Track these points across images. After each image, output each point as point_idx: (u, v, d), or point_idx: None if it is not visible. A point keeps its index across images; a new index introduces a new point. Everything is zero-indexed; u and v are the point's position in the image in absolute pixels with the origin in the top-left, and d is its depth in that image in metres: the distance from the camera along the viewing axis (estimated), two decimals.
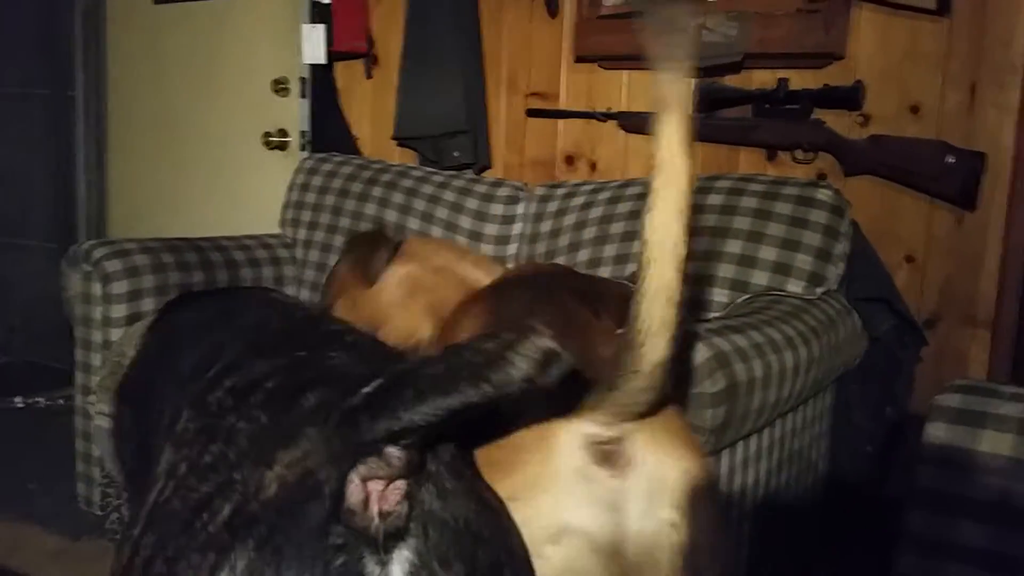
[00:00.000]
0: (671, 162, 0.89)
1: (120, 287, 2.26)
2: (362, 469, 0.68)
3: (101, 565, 2.14)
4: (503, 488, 0.92)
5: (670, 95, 0.90)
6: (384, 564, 0.68)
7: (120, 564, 0.79)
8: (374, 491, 0.68)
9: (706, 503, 0.99)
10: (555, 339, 0.72)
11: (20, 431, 3.20)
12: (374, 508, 0.68)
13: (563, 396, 0.88)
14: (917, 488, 1.25)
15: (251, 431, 0.80)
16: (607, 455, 0.93)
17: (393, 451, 0.67)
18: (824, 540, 2.08)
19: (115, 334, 2.26)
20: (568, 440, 0.93)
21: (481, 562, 0.74)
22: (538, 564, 0.90)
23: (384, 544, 0.68)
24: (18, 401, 3.43)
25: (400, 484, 0.69)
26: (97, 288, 2.27)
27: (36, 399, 3.44)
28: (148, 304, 2.31)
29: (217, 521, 0.72)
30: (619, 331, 0.98)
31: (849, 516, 2.11)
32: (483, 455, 0.94)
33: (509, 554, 0.79)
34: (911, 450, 1.29)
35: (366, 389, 0.70)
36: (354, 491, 0.68)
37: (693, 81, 2.43)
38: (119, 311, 2.27)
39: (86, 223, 3.59)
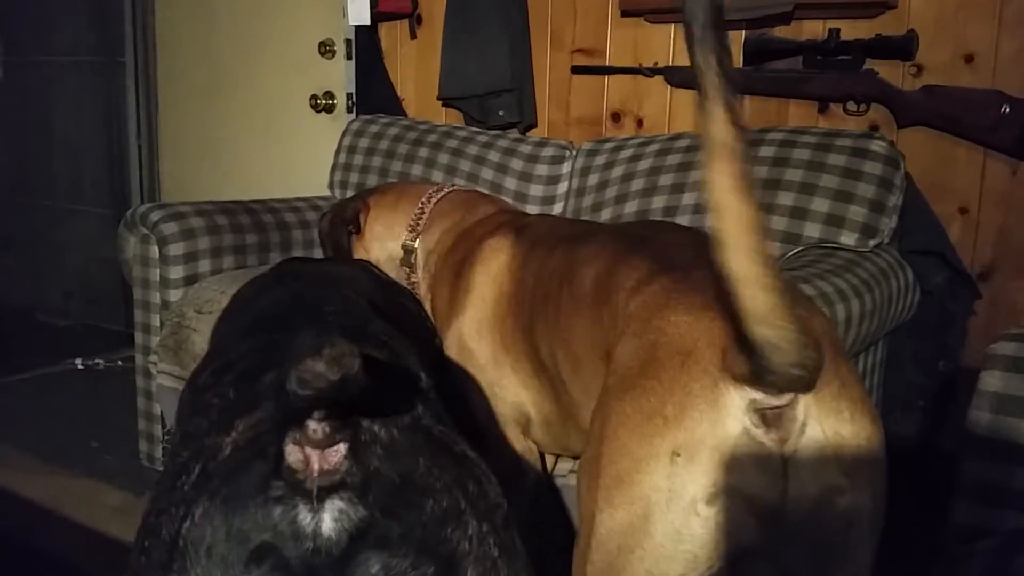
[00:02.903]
0: (729, 207, 0.83)
1: (177, 249, 2.31)
2: (295, 435, 0.78)
3: None
4: (665, 440, 0.94)
5: (716, 134, 0.83)
6: (315, 512, 0.78)
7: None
8: (312, 453, 0.78)
9: (875, 470, 0.98)
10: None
11: (81, 392, 3.30)
12: (314, 467, 0.78)
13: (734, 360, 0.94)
14: (972, 436, 1.25)
15: (221, 405, 0.94)
16: (775, 419, 0.92)
17: (310, 421, 0.77)
18: None
19: (173, 295, 2.31)
20: (737, 403, 0.93)
21: (429, 510, 0.82)
22: (694, 522, 0.92)
23: (317, 496, 0.78)
24: (78, 363, 3.53)
25: (340, 447, 0.79)
26: (154, 250, 2.32)
27: (95, 360, 3.53)
28: (204, 265, 2.36)
29: (190, 480, 0.85)
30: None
31: (901, 470, 2.11)
32: (646, 406, 0.97)
33: (470, 499, 0.86)
34: (965, 403, 1.29)
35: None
36: (292, 452, 0.78)
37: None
38: (176, 272, 2.32)
39: (139, 188, 3.66)
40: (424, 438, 0.89)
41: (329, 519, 0.79)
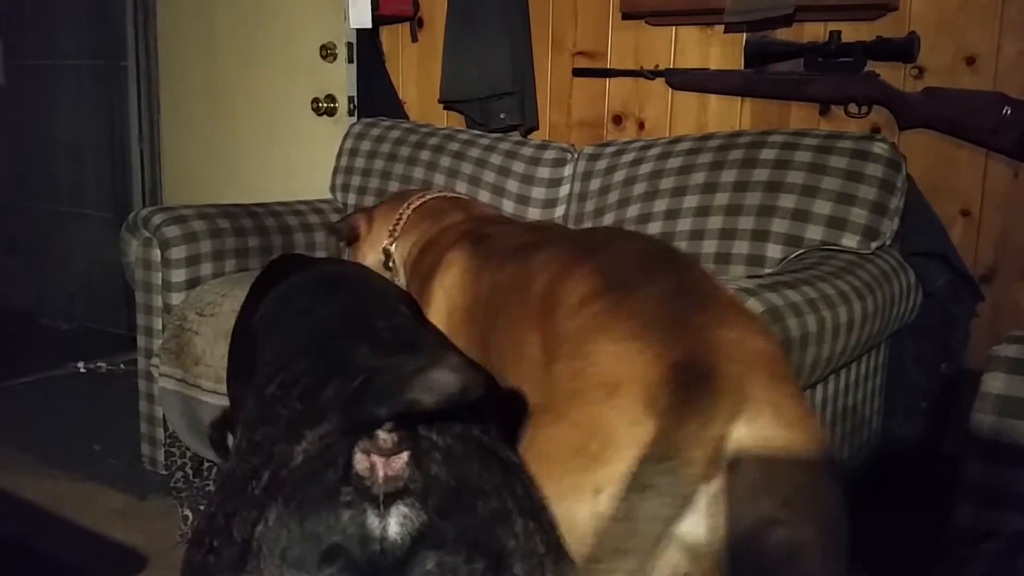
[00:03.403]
0: None
1: (179, 252, 2.31)
2: (363, 444, 0.85)
3: (166, 522, 2.21)
4: (589, 477, 0.92)
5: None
6: (382, 517, 0.85)
7: (200, 516, 0.99)
8: (378, 461, 0.85)
9: (818, 499, 0.92)
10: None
11: (83, 395, 3.30)
12: (379, 474, 0.85)
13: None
14: (975, 438, 1.25)
15: (289, 416, 1.00)
16: (703, 453, 0.89)
17: (380, 432, 0.84)
18: (878, 497, 2.08)
19: (175, 298, 2.32)
20: (661, 440, 0.90)
21: (481, 511, 0.88)
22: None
23: (384, 501, 0.85)
24: (80, 366, 3.53)
25: (403, 455, 0.85)
26: (156, 253, 2.33)
27: (98, 364, 3.54)
28: (206, 268, 2.36)
29: (260, 485, 0.91)
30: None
31: (904, 473, 2.11)
32: (573, 439, 0.95)
33: (517, 500, 0.91)
34: (967, 405, 1.29)
35: (355, 384, 0.90)
36: (360, 460, 0.85)
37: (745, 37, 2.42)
38: (178, 275, 2.32)
39: (141, 191, 3.66)
40: (475, 445, 0.94)
41: (395, 523, 0.85)
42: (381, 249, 1.99)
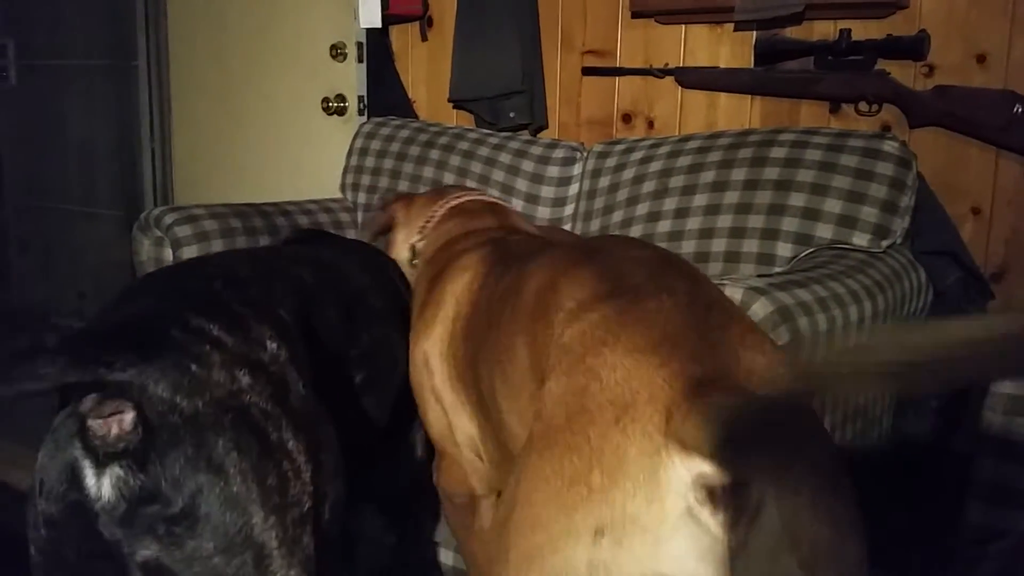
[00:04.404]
0: None
1: (190, 251, 2.32)
2: (86, 402, 0.88)
3: None
4: (589, 516, 0.79)
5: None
6: (99, 476, 0.88)
7: None
8: (107, 420, 0.88)
9: (842, 563, 0.79)
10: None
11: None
12: (109, 431, 0.88)
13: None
14: (986, 436, 1.25)
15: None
16: (724, 498, 0.77)
17: (87, 399, 0.88)
18: (890, 496, 2.08)
19: None
20: (682, 476, 0.78)
21: (212, 490, 0.88)
22: None
23: (100, 460, 0.88)
24: None
25: (127, 416, 0.88)
26: (168, 253, 2.33)
27: None
28: None
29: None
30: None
31: (914, 472, 2.10)
32: (568, 469, 0.82)
33: (263, 490, 0.91)
34: (977, 404, 1.29)
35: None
36: (89, 415, 0.88)
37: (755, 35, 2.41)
38: None
39: (152, 191, 3.68)
40: (236, 416, 0.92)
41: (108, 484, 0.88)
42: (409, 245, 1.86)
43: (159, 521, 0.86)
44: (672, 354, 0.85)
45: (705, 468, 0.76)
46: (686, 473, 0.77)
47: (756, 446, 0.74)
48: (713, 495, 0.77)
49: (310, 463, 0.97)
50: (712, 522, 0.77)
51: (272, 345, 1.04)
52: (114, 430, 0.87)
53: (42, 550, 0.93)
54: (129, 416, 0.87)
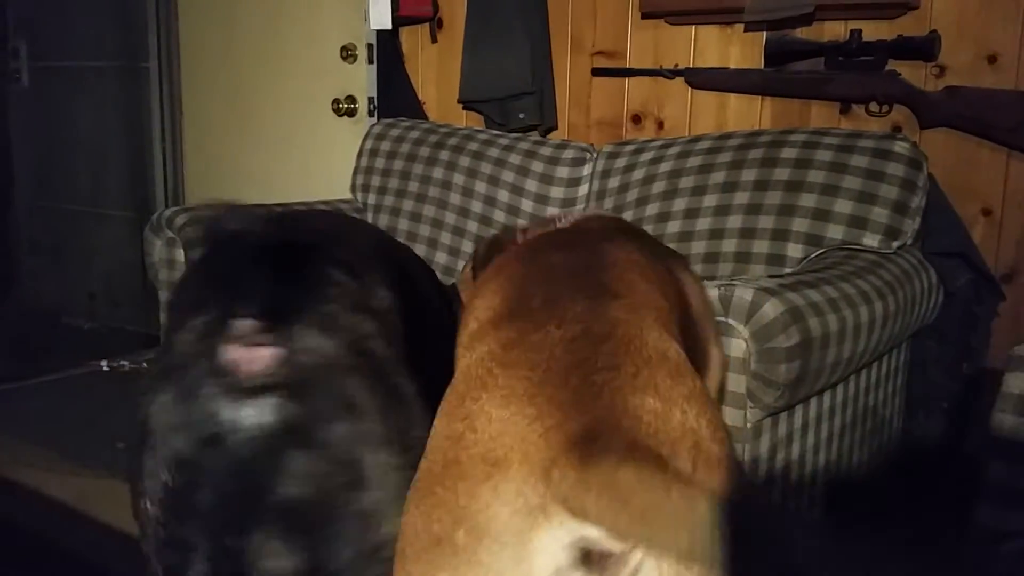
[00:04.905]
0: None
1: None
2: (227, 334, 0.89)
3: None
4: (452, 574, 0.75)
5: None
6: (237, 409, 0.88)
7: None
8: (241, 353, 0.89)
9: None
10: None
11: (106, 393, 3.32)
12: (241, 367, 0.89)
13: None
14: (997, 438, 1.25)
15: (178, 305, 1.05)
16: (600, 560, 0.72)
17: (236, 320, 0.88)
18: (899, 497, 2.08)
19: None
20: (557, 537, 0.72)
21: (350, 426, 0.90)
22: None
23: (244, 394, 0.88)
24: (103, 364, 3.56)
25: (268, 350, 0.89)
26: (180, 253, 2.35)
27: (120, 362, 3.56)
28: None
29: (153, 370, 0.99)
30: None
31: (924, 473, 2.10)
32: (435, 525, 0.77)
33: (389, 430, 0.93)
34: (988, 405, 1.29)
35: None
36: (224, 351, 0.89)
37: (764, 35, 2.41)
38: None
39: (163, 191, 3.69)
40: (366, 361, 0.94)
41: (251, 416, 0.89)
42: None
43: (299, 457, 0.88)
44: (550, 405, 0.78)
45: (585, 532, 0.72)
46: (564, 535, 0.72)
47: (637, 511, 0.68)
48: (589, 557, 0.72)
49: (421, 410, 0.98)
50: None
51: (383, 292, 1.06)
52: (257, 365, 0.88)
53: (164, 501, 0.92)
54: (272, 351, 0.88)
